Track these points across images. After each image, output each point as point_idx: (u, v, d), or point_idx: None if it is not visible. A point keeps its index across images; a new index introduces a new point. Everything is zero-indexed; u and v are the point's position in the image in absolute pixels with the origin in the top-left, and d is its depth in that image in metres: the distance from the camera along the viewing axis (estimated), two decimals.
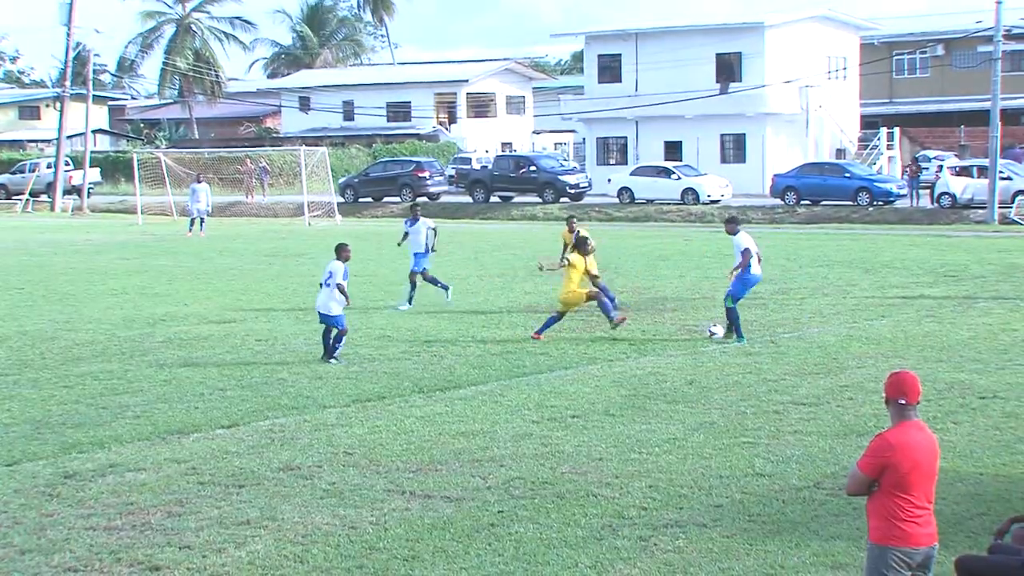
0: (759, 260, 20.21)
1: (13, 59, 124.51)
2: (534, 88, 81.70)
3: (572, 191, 55.54)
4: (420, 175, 57.71)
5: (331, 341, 18.33)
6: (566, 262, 20.63)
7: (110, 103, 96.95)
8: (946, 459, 10.85)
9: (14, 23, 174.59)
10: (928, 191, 48.70)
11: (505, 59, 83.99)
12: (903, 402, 7.41)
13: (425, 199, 56.40)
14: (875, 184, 49.77)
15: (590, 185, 57.52)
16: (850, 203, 49.22)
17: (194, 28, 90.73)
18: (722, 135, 60.77)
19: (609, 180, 56.18)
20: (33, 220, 57.90)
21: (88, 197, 64.17)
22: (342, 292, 18.14)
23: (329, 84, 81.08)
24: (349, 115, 78.43)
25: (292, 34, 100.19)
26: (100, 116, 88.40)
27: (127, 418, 14.64)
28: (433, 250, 24.89)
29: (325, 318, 18.33)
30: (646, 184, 53.84)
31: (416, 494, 11.32)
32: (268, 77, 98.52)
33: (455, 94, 77.15)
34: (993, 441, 13.08)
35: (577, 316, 21.34)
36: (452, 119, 77.17)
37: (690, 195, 52.66)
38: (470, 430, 13.80)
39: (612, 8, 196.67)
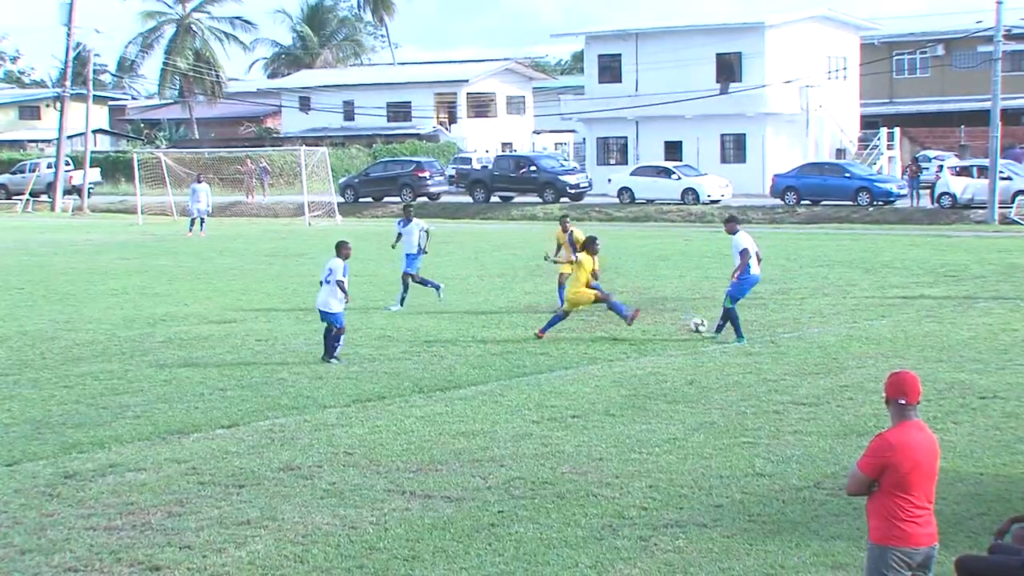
0: (759, 260, 20.22)
1: (13, 59, 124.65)
2: (534, 88, 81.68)
3: (572, 191, 55.49)
4: (420, 175, 57.70)
5: (330, 340, 18.34)
6: (575, 259, 20.74)
7: (110, 103, 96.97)
8: (946, 459, 10.85)
9: (14, 23, 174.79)
10: (928, 191, 48.67)
11: (505, 59, 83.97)
12: (903, 402, 7.41)
13: (425, 199, 56.44)
14: (875, 184, 49.75)
15: (590, 185, 57.47)
16: (850, 203, 49.20)
17: (194, 28, 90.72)
18: (722, 135, 60.75)
19: (609, 180, 56.16)
20: (33, 220, 57.90)
21: (88, 197, 64.16)
22: (342, 289, 18.15)
23: (329, 84, 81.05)
24: (349, 115, 78.41)
25: (292, 34, 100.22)
26: (100, 116, 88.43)
27: (127, 418, 14.64)
28: (425, 252, 24.81)
29: (325, 315, 18.35)
30: (646, 184, 53.82)
31: (416, 494, 11.32)
32: (268, 77, 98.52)
33: (455, 94, 77.13)
34: (993, 441, 13.09)
35: (577, 316, 21.34)
36: (452, 119, 77.14)
37: (690, 195, 52.64)
38: (470, 430, 13.81)
39: (612, 8, 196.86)
